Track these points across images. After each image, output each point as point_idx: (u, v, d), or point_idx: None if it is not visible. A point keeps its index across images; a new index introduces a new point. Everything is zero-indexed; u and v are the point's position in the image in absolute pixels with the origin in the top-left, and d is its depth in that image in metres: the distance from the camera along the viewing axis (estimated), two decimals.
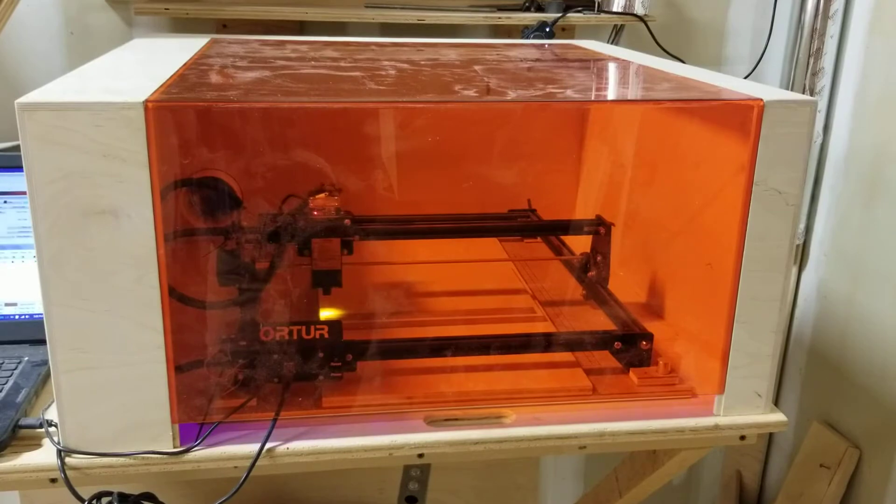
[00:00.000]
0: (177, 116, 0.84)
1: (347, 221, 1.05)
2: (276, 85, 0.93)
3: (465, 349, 0.98)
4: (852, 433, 1.72)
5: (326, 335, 0.93)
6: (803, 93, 1.74)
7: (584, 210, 1.41)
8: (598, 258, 1.17)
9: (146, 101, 0.77)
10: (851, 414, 1.73)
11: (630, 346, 1.01)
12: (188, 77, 0.93)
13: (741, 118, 0.89)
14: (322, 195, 1.07)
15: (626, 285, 1.20)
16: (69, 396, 0.83)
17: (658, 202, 1.16)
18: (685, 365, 1.02)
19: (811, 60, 1.71)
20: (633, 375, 1.00)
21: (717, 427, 0.95)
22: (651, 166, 1.18)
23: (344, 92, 0.89)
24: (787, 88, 1.75)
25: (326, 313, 1.05)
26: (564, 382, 0.98)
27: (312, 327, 0.93)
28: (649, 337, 1.01)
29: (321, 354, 0.93)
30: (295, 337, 0.92)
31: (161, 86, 0.85)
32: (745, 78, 1.77)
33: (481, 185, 1.36)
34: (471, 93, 0.88)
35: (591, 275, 1.17)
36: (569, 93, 0.91)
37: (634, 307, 1.14)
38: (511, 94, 0.87)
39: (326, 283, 1.06)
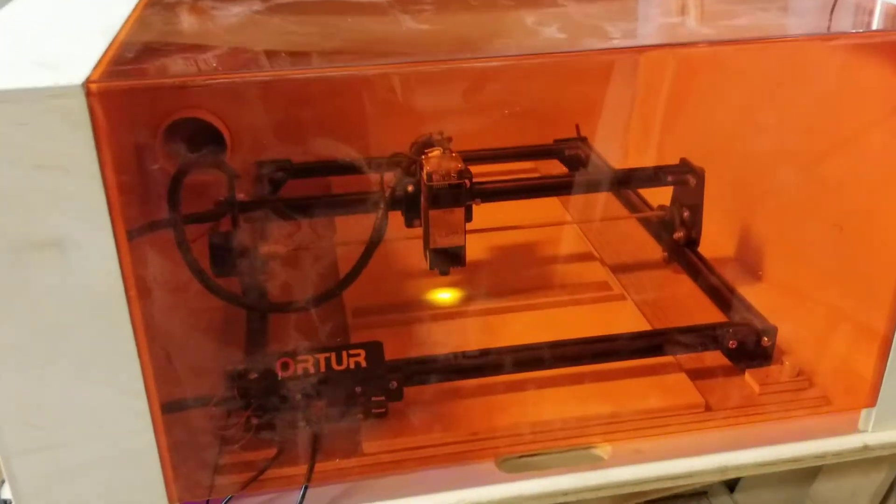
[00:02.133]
0: (138, 99, 0.60)
1: (468, 183, 0.82)
2: (274, 31, 0.67)
3: (536, 363, 0.77)
4: None
5: (363, 363, 0.71)
6: None
7: (643, 148, 1.17)
8: (686, 214, 0.93)
9: (87, 81, 0.52)
10: None
11: (747, 343, 0.79)
12: (150, 24, 0.68)
13: None
14: (436, 151, 0.83)
15: (709, 243, 0.97)
16: (27, 484, 0.61)
17: (758, 143, 0.92)
18: (804, 359, 0.81)
19: None
20: (750, 379, 0.79)
21: (865, 448, 0.75)
22: (746, 96, 0.93)
23: (376, 43, 0.63)
24: None
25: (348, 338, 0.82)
26: (669, 398, 0.76)
27: (345, 354, 0.71)
28: (772, 331, 0.79)
29: (359, 389, 0.71)
30: (322, 368, 0.70)
31: (110, 46, 0.60)
32: None
33: (522, 112, 1.11)
34: (552, 30, 0.62)
35: (679, 236, 0.94)
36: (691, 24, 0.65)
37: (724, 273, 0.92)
38: (615, 35, 0.61)
39: (447, 262, 0.84)
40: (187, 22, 0.69)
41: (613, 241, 1.02)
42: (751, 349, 0.79)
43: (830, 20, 0.69)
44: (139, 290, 0.58)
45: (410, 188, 0.85)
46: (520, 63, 0.56)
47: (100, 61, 0.57)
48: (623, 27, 0.62)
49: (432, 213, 0.83)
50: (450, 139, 0.88)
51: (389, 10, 0.70)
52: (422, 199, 0.84)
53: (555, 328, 0.85)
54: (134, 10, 0.70)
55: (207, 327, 0.78)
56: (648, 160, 1.20)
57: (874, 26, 0.71)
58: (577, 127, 1.22)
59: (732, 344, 0.78)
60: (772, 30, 0.65)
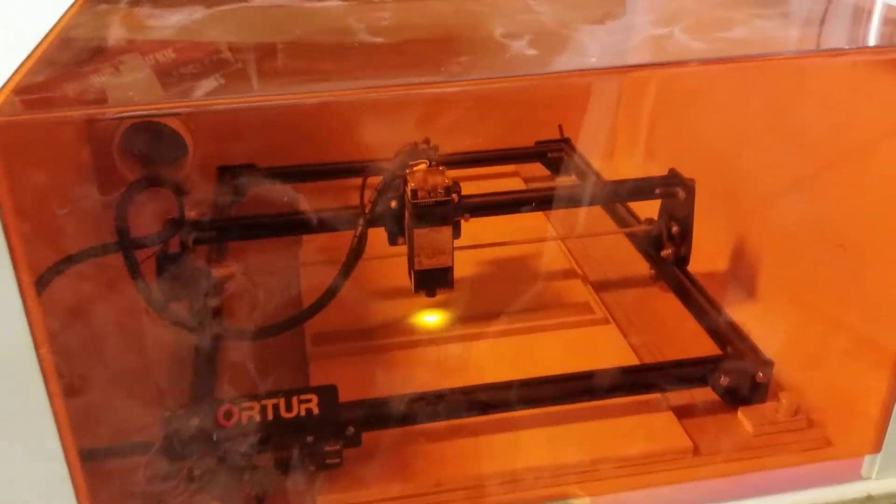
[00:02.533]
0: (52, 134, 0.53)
1: (456, 197, 0.76)
2: (213, 41, 0.60)
3: (508, 404, 0.70)
4: None
5: (316, 409, 0.64)
6: None
7: (630, 151, 1.10)
8: (675, 229, 0.86)
9: None
10: None
11: (741, 380, 0.72)
12: (75, 38, 0.60)
13: None
14: (421, 165, 0.77)
15: (702, 257, 0.90)
16: None
17: (754, 153, 0.85)
18: (802, 395, 0.74)
19: None
20: (743, 418, 0.72)
21: (869, 498, 0.68)
22: (740, 108, 0.86)
23: (321, 56, 0.56)
24: None
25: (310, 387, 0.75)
26: (654, 441, 0.70)
27: (295, 400, 0.64)
28: (768, 366, 0.72)
29: (310, 438, 0.64)
30: (270, 416, 0.64)
31: (22, 66, 0.53)
32: None
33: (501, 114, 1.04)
34: (522, 44, 0.55)
35: (667, 254, 0.87)
36: (687, 40, 0.58)
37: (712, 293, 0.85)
38: (593, 51, 0.54)
39: (433, 284, 0.78)
40: (115, 39, 0.61)
41: (597, 256, 0.95)
42: (744, 386, 0.72)
43: (828, 29, 0.61)
44: (53, 342, 0.51)
45: (394, 204, 0.78)
46: (480, 88, 0.49)
47: (3, 87, 0.50)
48: (605, 40, 0.55)
49: (417, 232, 0.77)
50: (436, 148, 0.81)
51: (342, 20, 0.62)
52: (406, 216, 0.78)
53: (533, 357, 0.79)
54: (60, 20, 0.63)
55: (148, 366, 0.72)
56: (636, 163, 1.14)
57: (875, 34, 0.64)
58: (560, 128, 1.15)
59: (724, 381, 0.72)
60: (770, 44, 0.58)
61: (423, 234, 0.77)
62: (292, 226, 0.86)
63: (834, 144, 0.72)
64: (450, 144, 0.97)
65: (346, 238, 0.82)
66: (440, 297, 0.82)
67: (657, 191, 0.86)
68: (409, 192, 0.76)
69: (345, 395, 0.69)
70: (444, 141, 0.88)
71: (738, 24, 0.57)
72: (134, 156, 1.03)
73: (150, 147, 1.03)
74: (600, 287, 0.90)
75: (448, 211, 0.77)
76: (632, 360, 0.79)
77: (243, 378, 0.73)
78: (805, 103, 0.73)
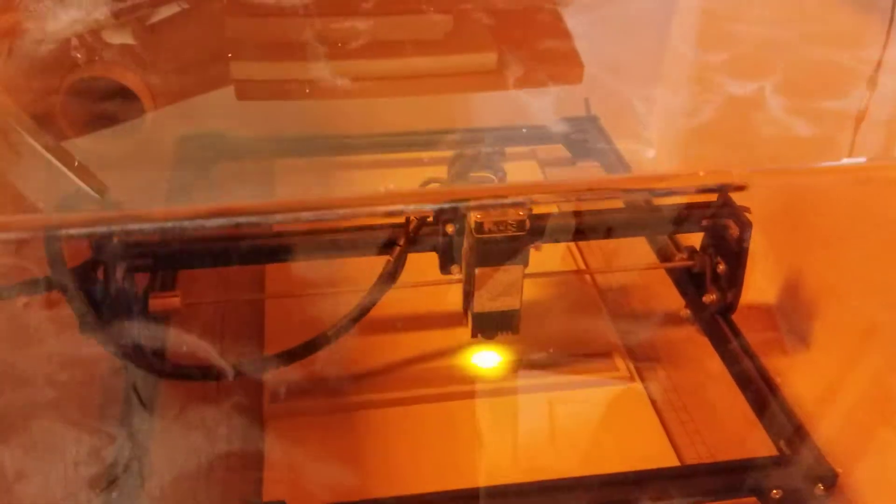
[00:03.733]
0: None
1: (528, 223, 0.61)
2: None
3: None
4: None
5: None
6: None
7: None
8: (721, 269, 0.71)
9: None
10: None
11: (794, 490, 0.58)
12: None
13: None
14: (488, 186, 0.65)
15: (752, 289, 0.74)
16: None
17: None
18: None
19: None
20: None
21: None
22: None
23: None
24: None
25: None
26: None
27: None
28: (830, 477, 0.58)
29: None
30: None
31: None
32: None
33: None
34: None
35: (711, 300, 0.71)
36: None
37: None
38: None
39: (496, 328, 0.65)
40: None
41: (626, 286, 0.80)
42: (798, 498, 0.58)
43: None
44: None
45: (451, 229, 0.64)
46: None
47: None
48: (661, 104, 0.38)
49: (481, 271, 0.62)
50: (503, 153, 0.66)
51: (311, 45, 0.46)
52: (464, 247, 0.63)
53: (539, 426, 0.65)
54: None
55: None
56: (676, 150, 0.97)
57: None
58: (587, 102, 0.98)
59: (776, 494, 0.58)
60: None
61: (488, 274, 0.62)
62: (263, 253, 0.70)
63: None
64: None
65: (320, 267, 0.68)
66: (443, 340, 0.68)
67: (703, 222, 0.70)
68: (471, 223, 0.61)
69: (307, 474, 0.56)
70: None
71: (853, 80, 0.40)
72: (81, 114, 0.88)
73: (100, 106, 0.89)
74: (627, 327, 0.75)
75: (520, 245, 0.61)
76: (658, 437, 0.65)
77: (179, 443, 0.60)
78: None
